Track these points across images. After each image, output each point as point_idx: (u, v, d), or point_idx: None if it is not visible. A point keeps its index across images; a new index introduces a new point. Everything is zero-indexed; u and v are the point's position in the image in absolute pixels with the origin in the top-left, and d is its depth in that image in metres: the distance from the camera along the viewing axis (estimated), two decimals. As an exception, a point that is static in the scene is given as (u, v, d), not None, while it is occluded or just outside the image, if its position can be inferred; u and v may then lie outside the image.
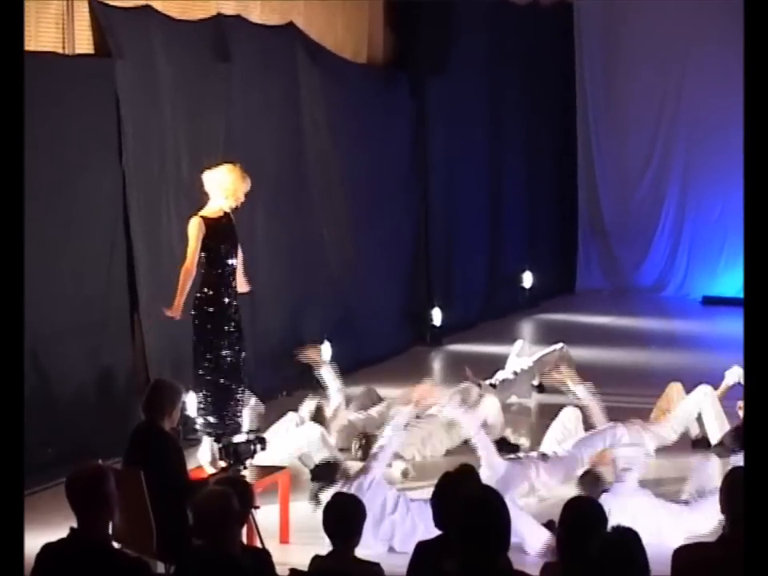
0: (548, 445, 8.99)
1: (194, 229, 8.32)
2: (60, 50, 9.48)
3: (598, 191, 17.78)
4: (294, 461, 9.06)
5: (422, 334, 14.21)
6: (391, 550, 7.72)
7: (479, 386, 10.71)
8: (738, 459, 7.66)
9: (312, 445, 9.09)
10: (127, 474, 6.54)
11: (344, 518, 5.57)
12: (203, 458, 8.28)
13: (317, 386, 10.28)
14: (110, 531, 5.01)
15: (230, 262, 8.48)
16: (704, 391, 9.58)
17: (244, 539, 6.24)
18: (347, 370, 10.83)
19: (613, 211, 17.72)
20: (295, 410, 9.76)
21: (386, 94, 13.78)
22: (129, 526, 6.37)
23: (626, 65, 17.34)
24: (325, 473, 8.14)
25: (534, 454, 8.69)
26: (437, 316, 14.23)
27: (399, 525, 7.76)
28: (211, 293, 8.40)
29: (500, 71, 15.95)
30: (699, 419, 9.62)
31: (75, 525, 4.82)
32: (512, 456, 8.74)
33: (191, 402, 8.40)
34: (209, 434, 8.30)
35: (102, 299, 9.71)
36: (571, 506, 5.08)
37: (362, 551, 5.70)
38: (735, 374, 9.56)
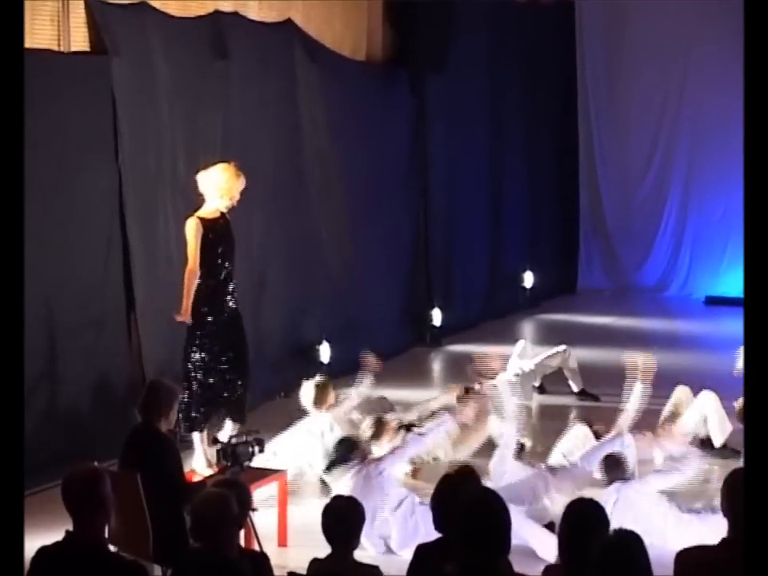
0: (555, 458, 8.96)
1: (192, 229, 8.34)
2: (55, 48, 9.43)
3: (600, 190, 17.78)
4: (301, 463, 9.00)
5: (421, 334, 14.17)
6: (389, 550, 7.69)
7: (480, 384, 10.62)
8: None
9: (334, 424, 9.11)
10: (123, 476, 6.53)
11: (343, 521, 5.54)
12: (198, 466, 8.22)
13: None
14: (106, 534, 4.96)
15: (227, 264, 8.45)
16: (707, 396, 9.60)
17: (242, 542, 6.20)
18: (346, 370, 10.75)
19: (615, 210, 17.72)
20: (294, 410, 9.68)
21: (385, 91, 13.73)
22: (125, 528, 6.33)
23: (628, 64, 17.34)
24: (344, 448, 8.13)
25: (542, 465, 8.62)
26: (436, 316, 14.19)
27: (401, 525, 7.74)
28: (207, 296, 8.36)
29: (500, 68, 15.93)
30: (704, 422, 9.63)
31: (71, 527, 4.80)
32: (525, 462, 8.67)
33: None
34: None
35: (97, 298, 9.67)
36: (573, 508, 5.04)
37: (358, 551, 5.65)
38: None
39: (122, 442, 6.99)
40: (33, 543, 4.95)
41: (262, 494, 7.94)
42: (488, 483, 7.86)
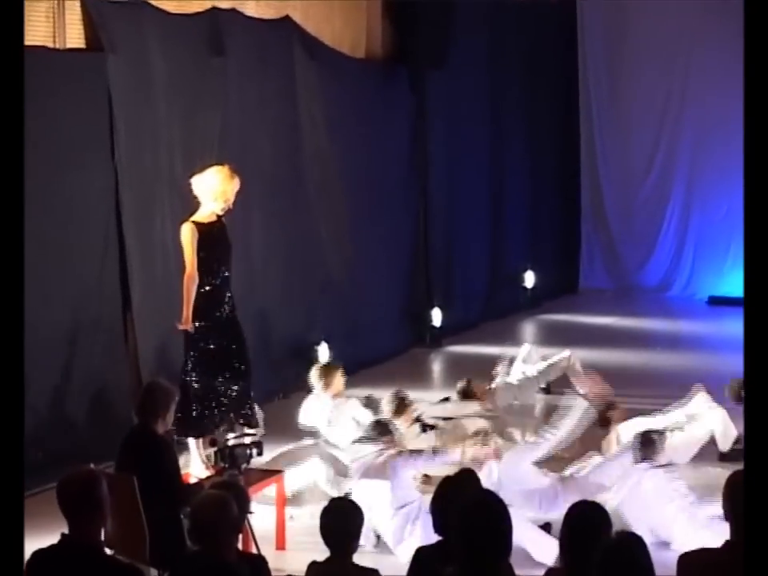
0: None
1: (188, 234, 8.30)
2: (51, 45, 9.39)
3: (602, 190, 17.79)
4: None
5: (421, 334, 14.12)
6: (388, 550, 7.65)
7: (490, 387, 10.60)
8: None
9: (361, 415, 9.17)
10: (120, 478, 6.48)
11: (342, 524, 5.47)
12: (194, 468, 8.19)
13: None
14: (103, 537, 4.94)
15: (223, 268, 8.39)
16: (713, 412, 9.49)
17: (239, 545, 6.12)
18: (345, 371, 10.65)
19: (616, 210, 17.73)
20: (293, 411, 9.63)
21: (384, 89, 13.70)
22: (121, 531, 6.28)
23: (630, 63, 17.36)
24: (377, 430, 8.16)
25: (554, 475, 8.54)
26: (436, 316, 14.14)
27: (398, 525, 7.69)
28: (204, 302, 8.31)
29: (501, 67, 15.94)
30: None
31: (66, 530, 4.76)
32: (540, 469, 8.62)
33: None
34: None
35: (93, 298, 9.62)
36: (574, 511, 4.98)
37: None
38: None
39: (119, 443, 6.94)
40: (28, 546, 4.89)
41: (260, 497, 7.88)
42: (495, 477, 7.96)
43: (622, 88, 17.49)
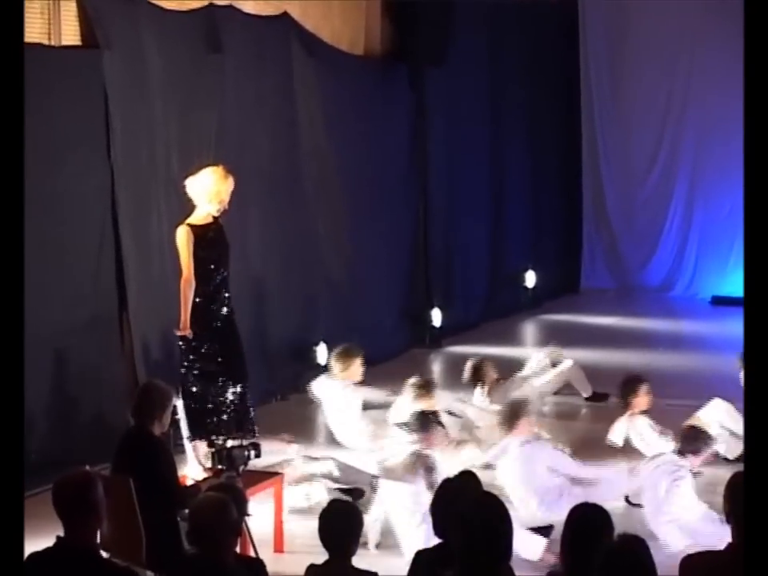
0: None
1: (183, 237, 8.32)
2: (46, 42, 9.36)
3: (603, 189, 17.80)
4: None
5: (420, 335, 14.06)
6: (388, 552, 7.62)
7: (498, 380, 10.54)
8: None
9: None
10: (116, 480, 6.47)
11: (341, 527, 5.46)
12: (190, 470, 8.21)
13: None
14: (98, 539, 4.92)
15: (221, 270, 8.34)
16: (720, 407, 9.45)
17: (237, 548, 6.05)
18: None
19: (618, 209, 17.74)
20: (292, 413, 9.58)
21: (383, 86, 13.67)
22: (117, 534, 6.26)
23: (631, 62, 17.37)
24: (419, 422, 8.04)
25: (564, 478, 8.47)
26: (436, 316, 14.11)
27: (405, 524, 7.60)
28: (201, 304, 8.24)
29: (501, 65, 15.94)
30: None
31: (62, 533, 4.76)
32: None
33: (181, 405, 8.38)
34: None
35: (89, 297, 9.59)
36: (576, 513, 4.99)
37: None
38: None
39: (115, 445, 6.92)
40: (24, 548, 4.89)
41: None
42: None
43: (623, 87, 17.50)
